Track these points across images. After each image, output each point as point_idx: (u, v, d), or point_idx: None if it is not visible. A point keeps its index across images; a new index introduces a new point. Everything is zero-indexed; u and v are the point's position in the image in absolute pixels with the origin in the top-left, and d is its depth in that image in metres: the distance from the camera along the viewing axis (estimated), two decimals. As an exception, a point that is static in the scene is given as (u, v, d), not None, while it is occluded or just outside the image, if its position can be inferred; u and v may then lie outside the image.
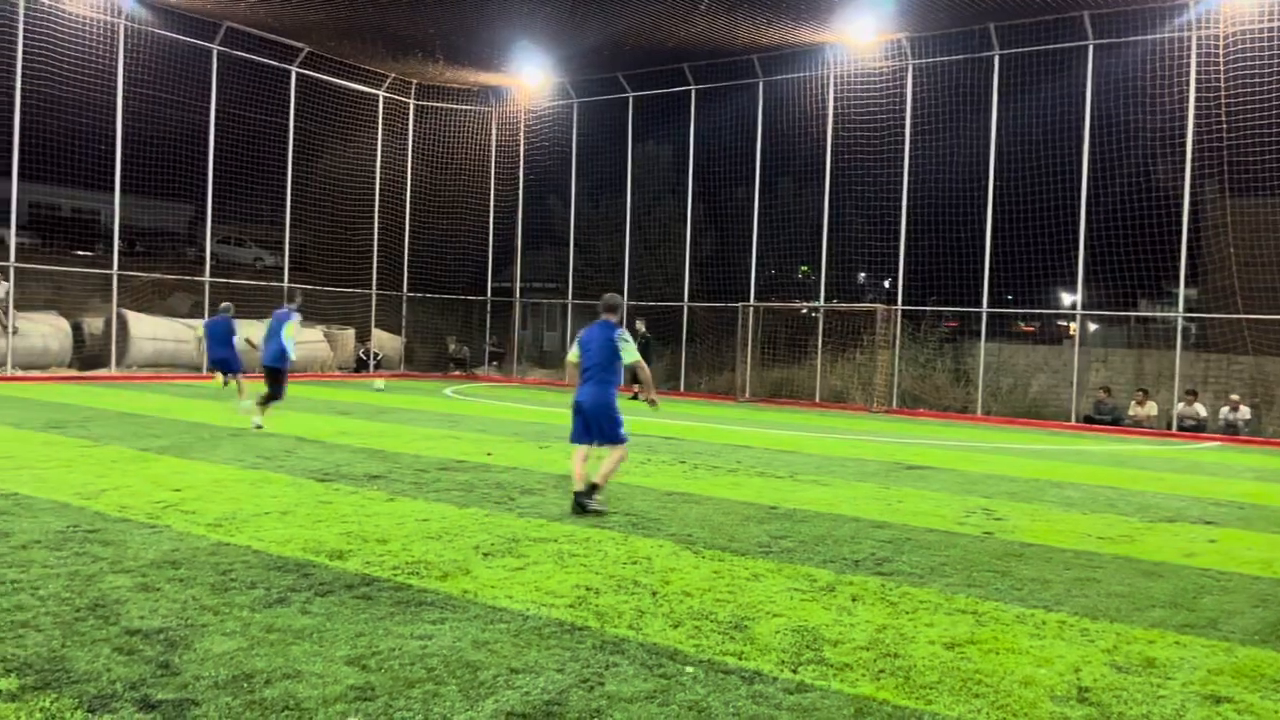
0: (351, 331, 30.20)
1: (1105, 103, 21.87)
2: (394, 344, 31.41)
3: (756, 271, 26.60)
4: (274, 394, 13.92)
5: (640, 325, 23.72)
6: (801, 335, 26.24)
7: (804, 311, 26.92)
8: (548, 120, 30.84)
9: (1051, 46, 22.23)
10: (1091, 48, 21.82)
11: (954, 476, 12.00)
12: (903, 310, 24.36)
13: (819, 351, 25.29)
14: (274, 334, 14.17)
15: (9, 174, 22.39)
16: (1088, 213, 21.94)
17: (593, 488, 8.39)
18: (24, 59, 22.13)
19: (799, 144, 25.97)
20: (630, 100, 28.69)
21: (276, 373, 13.99)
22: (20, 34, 22.06)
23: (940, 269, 23.77)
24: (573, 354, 8.98)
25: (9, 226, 23.16)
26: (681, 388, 27.43)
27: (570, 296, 30.25)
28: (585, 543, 7.19)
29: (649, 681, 4.37)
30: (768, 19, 22.85)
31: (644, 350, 22.56)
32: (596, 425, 8.59)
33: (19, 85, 22.06)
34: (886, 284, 26.78)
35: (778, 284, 27.78)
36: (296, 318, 14.48)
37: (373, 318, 30.59)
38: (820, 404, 24.68)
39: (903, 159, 24.16)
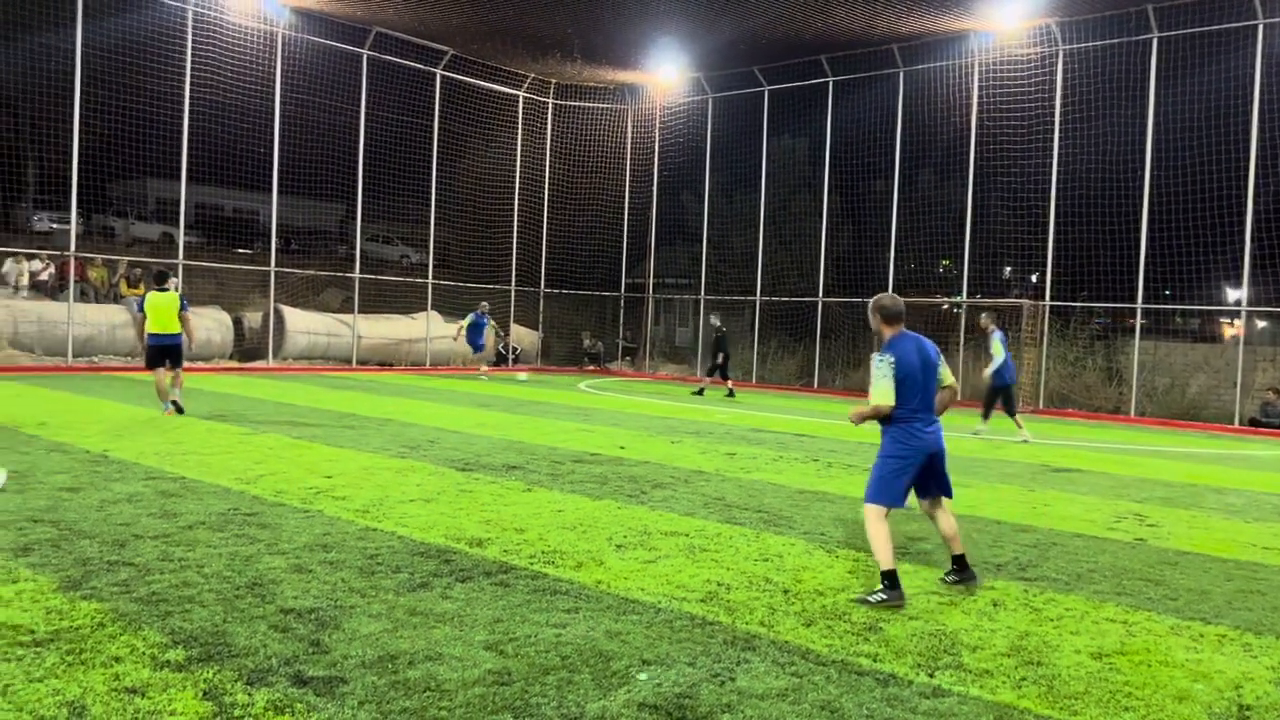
0: (491, 326, 30.98)
1: (1276, 85, 20.45)
2: (531, 339, 32.10)
3: (895, 266, 26.00)
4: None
5: (715, 319, 23.83)
6: (942, 331, 25.49)
7: (945, 307, 26.16)
8: (682, 116, 30.91)
9: (1216, 27, 20.92)
10: (1261, 27, 20.44)
11: (1104, 480, 11.46)
12: (1051, 306, 23.39)
13: (960, 348, 24.54)
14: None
15: (178, 177, 23.90)
16: (1255, 202, 20.58)
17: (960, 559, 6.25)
18: (192, 68, 23.57)
19: (940, 134, 25.26)
20: (766, 94, 28.47)
21: None
22: (189, 45, 23.51)
23: (1091, 263, 22.72)
24: (889, 388, 5.98)
25: (178, 226, 24.73)
26: (815, 384, 27.07)
27: (703, 292, 30.26)
28: (716, 538, 7.19)
29: (781, 679, 4.34)
30: (909, 7, 22.28)
31: (720, 344, 22.58)
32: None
33: (188, 94, 23.51)
34: (1033, 279, 25.77)
35: (917, 278, 27.08)
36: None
37: (511, 313, 31.33)
38: (963, 403, 23.88)
39: (1051, 148, 23.19)
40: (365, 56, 26.65)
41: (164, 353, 13.66)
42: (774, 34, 24.66)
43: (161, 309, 13.64)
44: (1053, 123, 23.18)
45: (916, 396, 6.02)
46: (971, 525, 8.16)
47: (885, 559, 5.74)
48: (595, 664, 4.41)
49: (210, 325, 24.72)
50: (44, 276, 24.24)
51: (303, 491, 8.29)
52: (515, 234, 31.08)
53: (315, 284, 28.61)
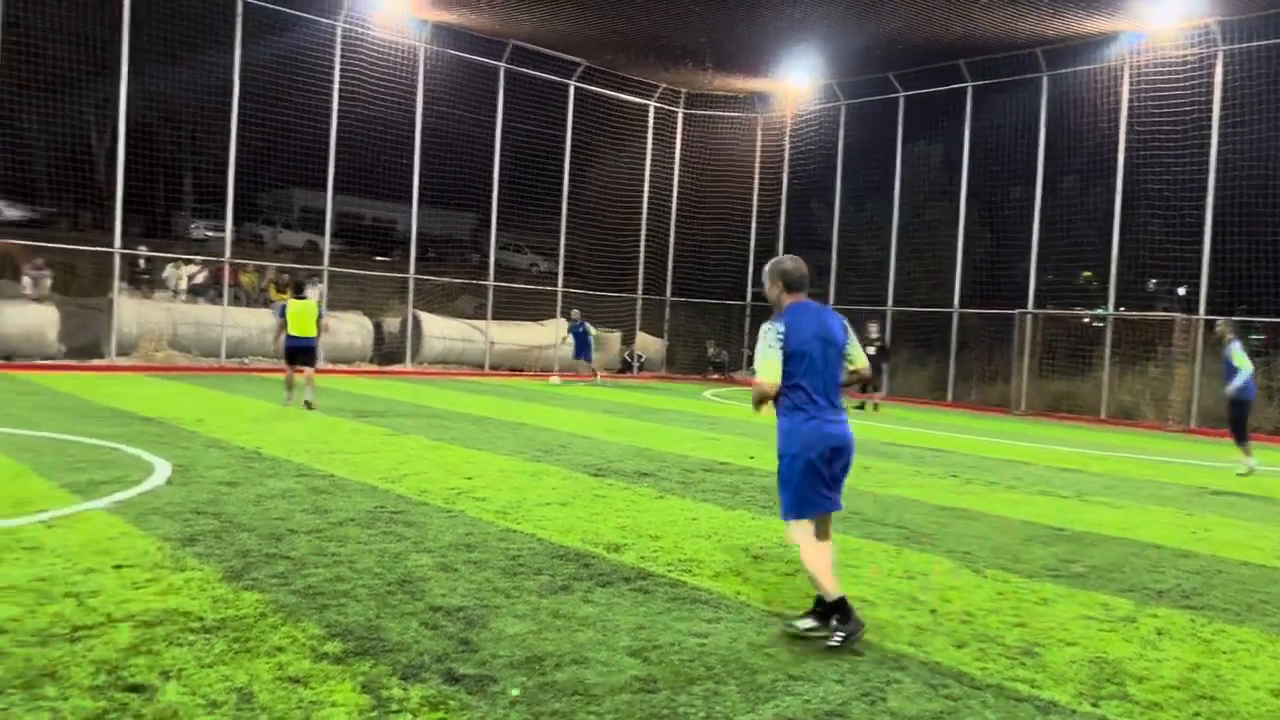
0: (618, 334, 31.28)
1: None
2: (657, 346, 32.23)
3: (1035, 276, 25.06)
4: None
5: (874, 329, 22.52)
6: (1085, 345, 24.44)
7: (1088, 320, 25.07)
8: (813, 124, 30.57)
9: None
10: None
11: (1270, 506, 10.74)
12: (1206, 320, 22.13)
13: (1106, 363, 23.46)
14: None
15: (324, 187, 24.96)
16: None
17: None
18: (339, 83, 24.59)
19: (1086, 140, 24.24)
20: (901, 100, 27.89)
21: None
22: (337, 61, 24.54)
23: (1251, 274, 21.37)
24: (776, 364, 5.02)
25: (323, 234, 25.81)
26: (949, 398, 26.31)
27: (831, 301, 29.80)
28: (856, 554, 7.02)
29: (934, 701, 4.19)
30: (1055, 9, 21.48)
31: (883, 355, 21.87)
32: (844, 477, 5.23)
33: (335, 107, 24.53)
34: (1182, 291, 24.46)
35: (1058, 290, 26.02)
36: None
37: (638, 321, 31.52)
38: (1106, 420, 22.89)
39: (1208, 154, 21.96)
40: (502, 69, 27.28)
41: (299, 353, 15.00)
42: (911, 39, 24.14)
43: (301, 314, 14.87)
44: (1210, 127, 21.95)
45: (815, 378, 4.99)
46: (1127, 549, 7.76)
47: (829, 585, 4.86)
48: (741, 676, 4.35)
49: (351, 329, 25.69)
50: (200, 281, 25.64)
51: (445, 491, 8.48)
52: (643, 242, 31.29)
53: (450, 291, 29.42)
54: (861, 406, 21.78)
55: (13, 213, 24.57)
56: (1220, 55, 21.85)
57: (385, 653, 4.38)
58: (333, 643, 4.47)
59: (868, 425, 18.23)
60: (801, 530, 5.01)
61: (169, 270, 25.12)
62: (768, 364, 4.96)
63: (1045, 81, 24.78)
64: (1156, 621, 5.68)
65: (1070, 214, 25.05)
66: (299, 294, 15.26)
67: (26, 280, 21.98)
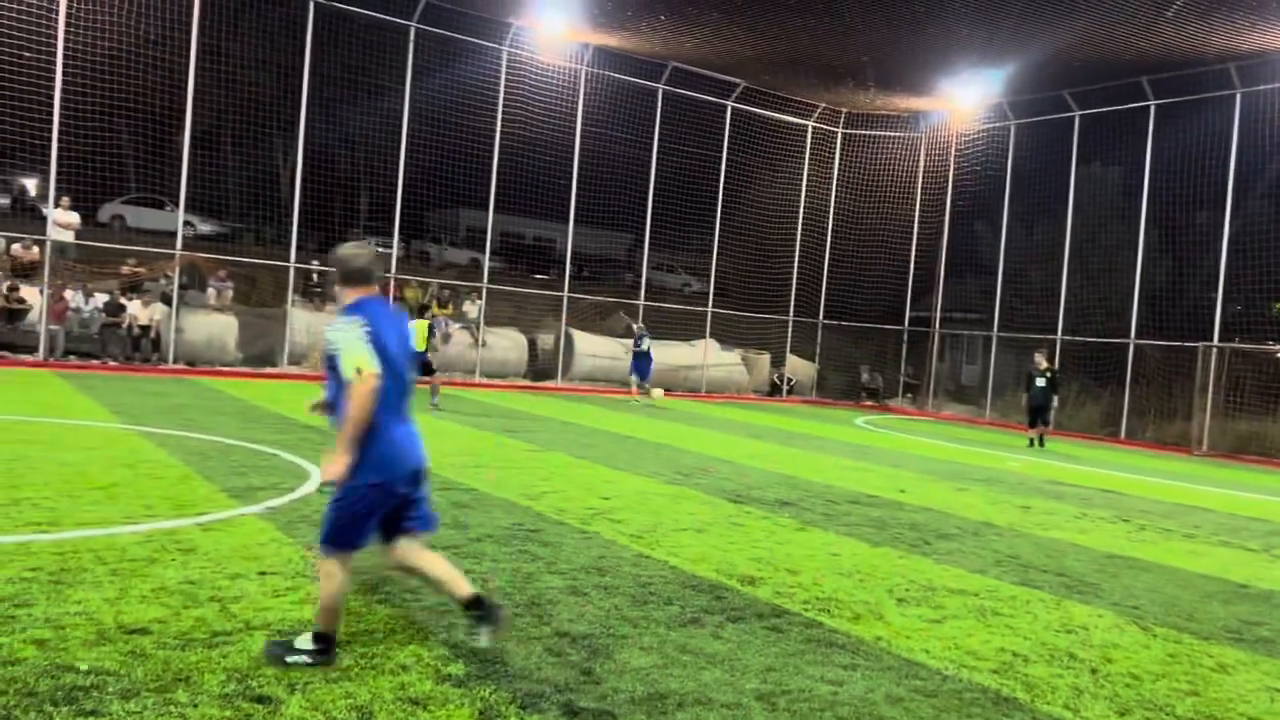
0: (767, 356, 30.89)
1: None
2: (807, 370, 31.64)
3: (1222, 307, 23.30)
4: None
5: (1042, 358, 20.92)
6: (1276, 383, 22.52)
7: (1279, 355, 23.14)
8: (980, 143, 29.46)
9: None
10: None
11: None
12: None
13: (1301, 402, 21.55)
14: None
15: (486, 206, 25.72)
16: None
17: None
18: (503, 105, 25.33)
19: (1282, 162, 22.41)
20: (1076, 119, 26.53)
21: None
22: (502, 84, 25.29)
23: None
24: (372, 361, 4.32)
25: (484, 252, 26.56)
26: (1122, 434, 24.72)
27: (996, 328, 28.57)
28: (1010, 601, 6.56)
29: (1091, 777, 3.80)
30: (1251, 22, 19.98)
31: (1053, 387, 20.26)
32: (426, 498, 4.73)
33: (499, 129, 25.27)
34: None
35: (1247, 321, 24.10)
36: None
37: (789, 343, 31.05)
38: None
39: None
40: (660, 91, 27.48)
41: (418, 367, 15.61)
42: (1088, 55, 22.94)
43: (416, 332, 15.41)
44: None
45: (399, 384, 4.40)
46: (1324, 614, 6.97)
47: (330, 619, 4.34)
48: (875, 731, 4.07)
49: (507, 345, 26.29)
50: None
51: (582, 511, 8.45)
52: (796, 263, 30.85)
53: (603, 309, 29.76)
54: (1033, 443, 20.19)
55: (205, 227, 26.34)
56: None
57: (506, 679, 4.32)
58: (456, 664, 4.44)
59: (1033, 463, 17.30)
60: (338, 561, 4.36)
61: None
62: (359, 354, 4.21)
63: (1238, 99, 23.07)
64: (1358, 701, 5.04)
65: (1262, 240, 23.18)
66: (420, 315, 16.52)
67: (211, 291, 23.49)
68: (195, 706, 3.75)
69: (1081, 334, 26.16)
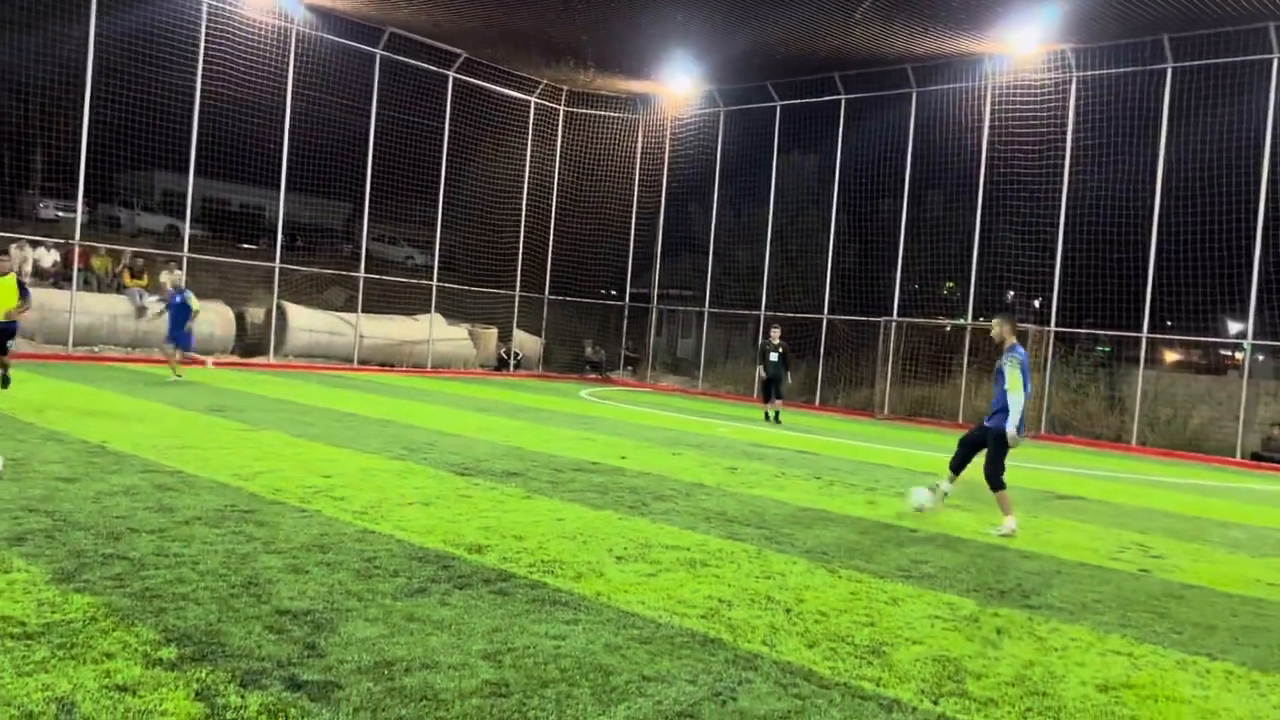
0: (494, 331, 30.96)
1: (1290, 119, 20.43)
2: (534, 344, 32.03)
3: (900, 286, 25.96)
4: None
5: (776, 334, 20.93)
6: (945, 353, 25.45)
7: (948, 329, 26.12)
8: (693, 128, 30.92)
9: (1231, 60, 20.89)
10: (1277, 61, 20.43)
11: (1106, 509, 11.38)
12: (1056, 332, 23.34)
13: (964, 370, 24.48)
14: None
15: (186, 170, 23.88)
16: (1264, 235, 20.52)
17: None
18: (204, 61, 23.57)
19: (951, 157, 25.24)
20: (778, 109, 28.47)
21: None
22: (203, 38, 23.51)
23: (1098, 290, 22.67)
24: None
25: (184, 219, 24.68)
26: (817, 401, 27.00)
27: (707, 305, 30.22)
28: (718, 554, 7.11)
29: (783, 701, 4.26)
30: (925, 27, 22.29)
31: (784, 362, 20.69)
32: None
33: (199, 86, 23.50)
34: (1037, 303, 25.72)
35: (921, 299, 27.04)
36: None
37: (515, 318, 31.27)
38: (963, 425, 23.82)
39: (1062, 174, 23.17)
40: (378, 56, 26.64)
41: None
42: (789, 49, 24.67)
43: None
44: (1064, 148, 23.16)
45: None
46: (974, 550, 8.08)
47: None
48: (595, 678, 4.33)
49: (213, 319, 24.63)
50: (48, 265, 24.17)
51: (301, 490, 8.21)
52: (522, 239, 31.05)
53: (319, 282, 28.53)
54: (769, 417, 20.26)
55: None
56: (1075, 80, 23.07)
57: (224, 658, 4.19)
58: (168, 648, 4.25)
59: (739, 429, 18.52)
60: None
61: (13, 252, 23.57)
62: None
63: (914, 98, 25.70)
64: (997, 620, 5.92)
65: (935, 227, 26.04)
66: None
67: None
68: None
69: (783, 310, 28.23)
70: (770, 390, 20.65)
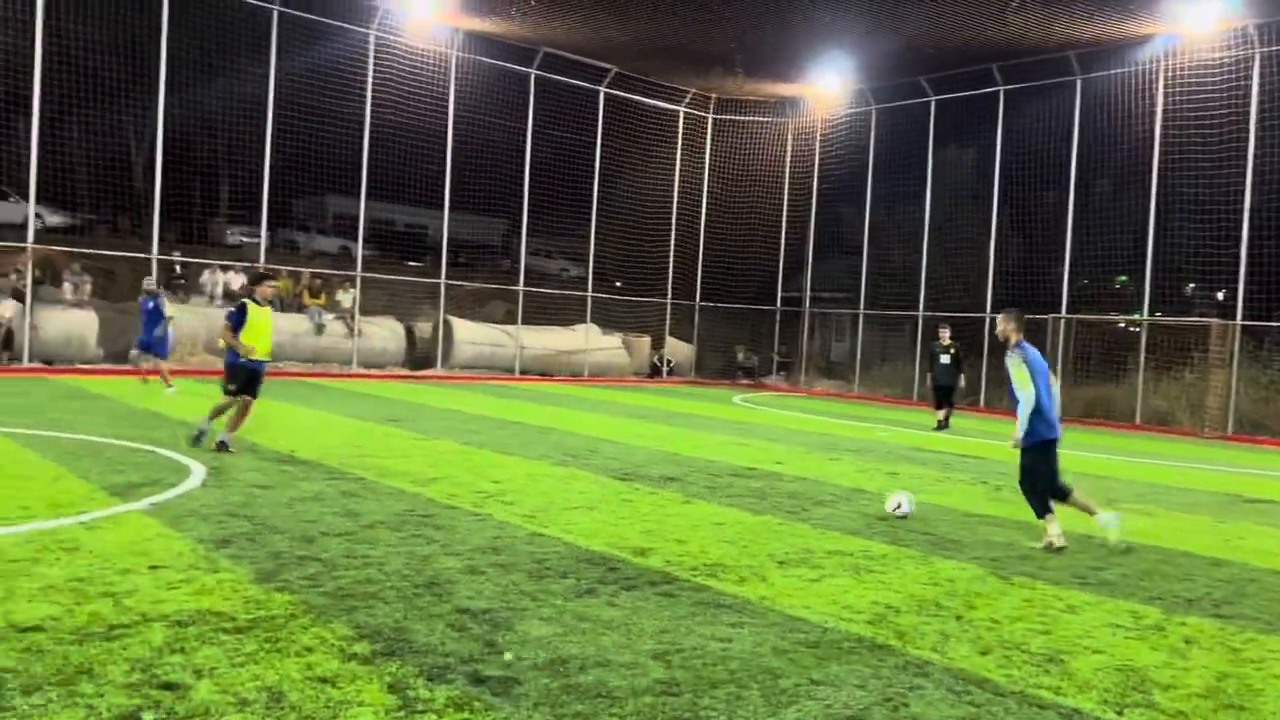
0: (647, 339, 31.34)
1: None
2: (686, 351, 32.26)
3: (1069, 281, 24.84)
4: None
5: (946, 333, 18.98)
6: (1119, 351, 24.17)
7: (1123, 325, 24.81)
8: (844, 128, 30.49)
9: None
10: None
11: (1306, 514, 10.59)
12: (1243, 325, 21.83)
13: (1140, 369, 23.20)
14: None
15: (357, 194, 25.25)
16: None
17: None
18: (372, 90, 24.89)
19: (1120, 144, 23.98)
20: (932, 104, 27.76)
21: None
22: (370, 69, 24.84)
23: (1290, 279, 21.09)
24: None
25: (356, 241, 26.08)
26: (982, 403, 26.11)
27: (862, 306, 29.69)
28: (882, 559, 7.02)
29: (956, 708, 4.20)
30: (1089, 12, 21.30)
31: (957, 365, 18.81)
32: None
33: (369, 114, 24.83)
34: (1220, 295, 24.14)
35: (1091, 295, 25.77)
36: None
37: (667, 326, 31.56)
38: (1140, 426, 22.61)
39: (1245, 157, 21.66)
40: (533, 76, 27.45)
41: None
42: (943, 43, 24.04)
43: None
44: (1248, 130, 21.65)
45: None
46: (1158, 557, 7.69)
47: None
48: (764, 680, 4.37)
49: (384, 335, 25.93)
50: (236, 287, 25.97)
51: (473, 495, 8.57)
52: (673, 247, 31.36)
53: (481, 296, 29.61)
54: (941, 425, 18.34)
55: (55, 219, 25.00)
56: (1257, 57, 21.57)
57: (412, 654, 4.45)
58: (361, 643, 4.55)
59: (898, 432, 18.13)
60: None
61: (205, 276, 25.48)
62: None
63: (1079, 85, 24.57)
64: (1185, 630, 5.64)
65: (1105, 218, 24.80)
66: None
67: (67, 285, 22.40)
68: (101, 696, 3.77)
69: (943, 309, 27.44)
70: (943, 396, 18.50)
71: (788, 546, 7.25)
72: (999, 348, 26.65)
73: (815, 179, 31.34)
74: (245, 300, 10.61)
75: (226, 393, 10.46)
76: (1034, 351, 8.09)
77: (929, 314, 27.52)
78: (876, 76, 28.02)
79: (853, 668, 4.63)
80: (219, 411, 10.52)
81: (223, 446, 10.17)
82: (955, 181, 28.47)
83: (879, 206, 29.79)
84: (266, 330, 10.71)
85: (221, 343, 10.78)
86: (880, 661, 4.76)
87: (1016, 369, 7.94)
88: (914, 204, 28.50)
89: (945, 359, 18.53)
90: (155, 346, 17.20)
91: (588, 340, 29.13)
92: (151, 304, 17.18)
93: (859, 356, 29.80)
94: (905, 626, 5.38)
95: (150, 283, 17.92)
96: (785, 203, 31.89)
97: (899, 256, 29.40)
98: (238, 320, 10.32)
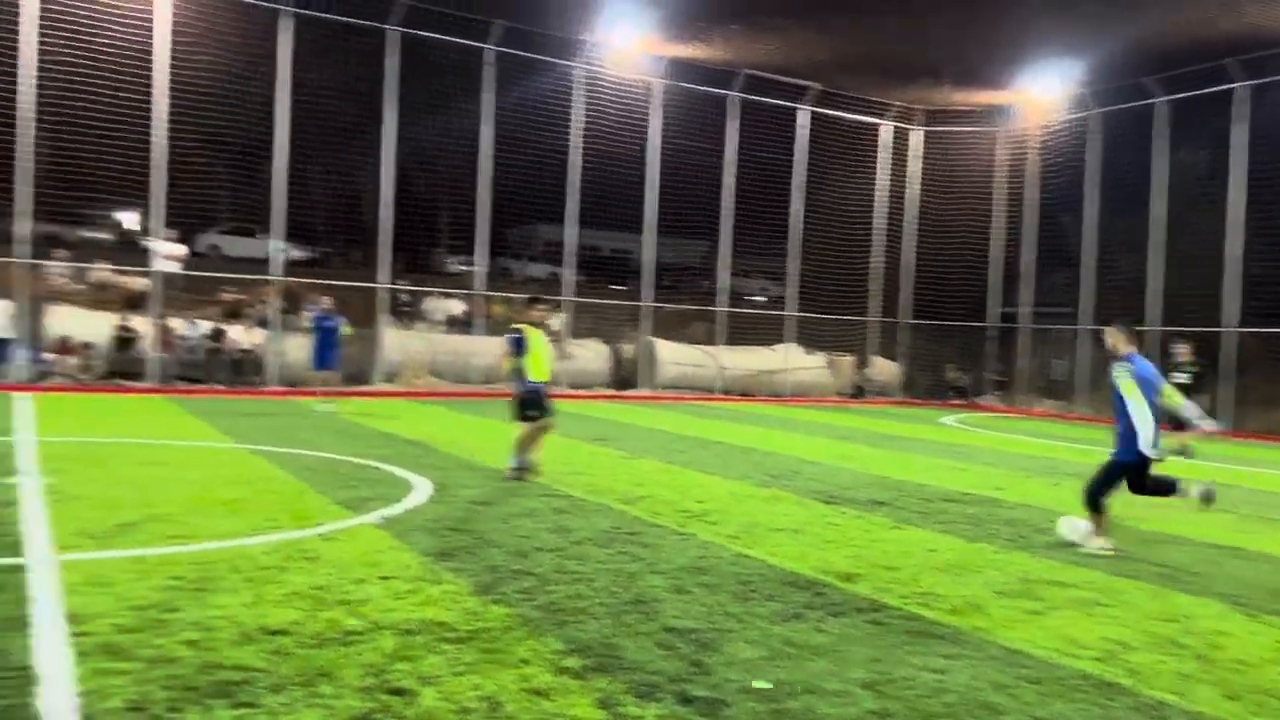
0: (851, 358, 30.74)
1: None
2: (891, 370, 31.40)
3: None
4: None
5: (1184, 347, 17.78)
6: None
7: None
8: (1061, 134, 28.91)
9: None
10: None
11: None
12: None
13: None
14: None
15: (563, 221, 26.21)
16: None
17: None
18: (579, 122, 25.80)
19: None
20: (1159, 105, 25.90)
21: None
22: (579, 101, 25.78)
23: None
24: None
25: (564, 266, 27.04)
26: (1233, 426, 23.97)
27: (1085, 322, 27.96)
28: (1110, 592, 6.57)
29: (1200, 757, 3.87)
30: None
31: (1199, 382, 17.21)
32: None
33: (575, 145, 25.74)
34: None
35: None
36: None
37: (871, 345, 30.85)
38: None
39: None
40: (735, 99, 27.64)
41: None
42: (1172, 40, 22.42)
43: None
44: None
45: None
46: None
47: None
48: (982, 716, 4.19)
49: (590, 356, 26.69)
50: (458, 313, 27.48)
51: (678, 515, 8.66)
52: (879, 263, 30.67)
53: (683, 317, 29.98)
54: (1181, 452, 15.36)
55: (298, 253, 27.33)
56: None
57: (621, 670, 4.54)
58: (572, 658, 4.68)
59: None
60: None
61: (428, 302, 27.09)
62: None
63: (1334, 74, 22.30)
64: None
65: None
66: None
67: (306, 314, 24.36)
68: (339, 699, 4.06)
69: (1178, 323, 25.45)
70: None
71: (1006, 576, 6.91)
72: (1246, 368, 24.52)
73: (1030, 188, 29.85)
74: (520, 326, 10.66)
75: (527, 419, 10.43)
76: (1144, 363, 7.96)
77: (1162, 329, 25.59)
78: (1096, 79, 26.45)
79: (1080, 706, 4.35)
80: (527, 442, 10.45)
81: (520, 472, 10.27)
82: (1189, 185, 26.40)
83: (1103, 215, 28.03)
84: (543, 353, 10.65)
85: (505, 367, 10.75)
86: (1110, 701, 4.45)
87: (1124, 381, 7.84)
88: (1140, 211, 26.62)
89: (1183, 377, 16.73)
90: (331, 363, 18.49)
91: (788, 360, 28.88)
92: (330, 323, 18.37)
93: (1080, 375, 28.05)
94: (1138, 665, 5.01)
95: (329, 302, 19.22)
96: (1000, 215, 30.54)
97: (1125, 267, 27.49)
98: (518, 345, 10.42)
